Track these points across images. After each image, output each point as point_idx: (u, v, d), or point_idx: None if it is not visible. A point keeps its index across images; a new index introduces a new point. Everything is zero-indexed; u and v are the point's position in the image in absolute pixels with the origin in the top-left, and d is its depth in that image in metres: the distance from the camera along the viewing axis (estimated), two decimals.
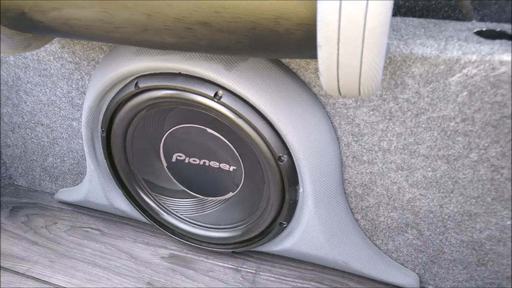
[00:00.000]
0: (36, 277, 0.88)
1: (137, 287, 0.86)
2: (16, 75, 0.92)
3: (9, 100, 0.98)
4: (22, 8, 0.54)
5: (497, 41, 0.58)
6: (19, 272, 0.89)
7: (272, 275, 0.89)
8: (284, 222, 0.80)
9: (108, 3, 0.49)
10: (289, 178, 0.73)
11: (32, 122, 1.00)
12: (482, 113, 0.62)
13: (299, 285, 0.87)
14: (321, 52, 0.42)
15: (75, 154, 1.02)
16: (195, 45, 0.52)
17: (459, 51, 0.58)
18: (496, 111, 0.61)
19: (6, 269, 0.90)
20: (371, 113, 0.68)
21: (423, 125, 0.66)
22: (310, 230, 0.79)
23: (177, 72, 0.69)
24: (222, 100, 0.67)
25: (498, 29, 0.63)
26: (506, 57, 0.56)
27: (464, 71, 0.58)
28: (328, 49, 0.41)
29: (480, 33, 0.62)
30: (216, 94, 0.67)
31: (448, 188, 0.71)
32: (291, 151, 0.70)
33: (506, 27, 0.64)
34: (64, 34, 0.59)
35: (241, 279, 0.89)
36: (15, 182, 1.19)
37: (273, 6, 0.42)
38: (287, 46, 0.48)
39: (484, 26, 0.65)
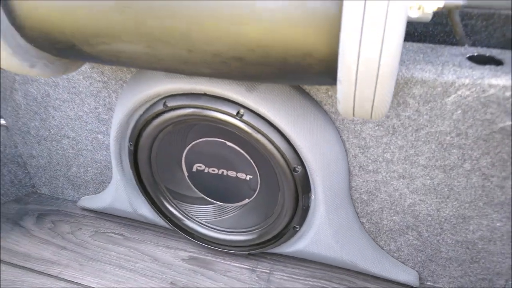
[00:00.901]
0: (69, 279, 0.94)
1: (162, 287, 0.93)
2: (45, 92, 0.99)
3: (37, 115, 1.05)
4: (73, 41, 0.61)
5: (487, 66, 0.66)
6: (52, 275, 0.95)
7: (285, 275, 0.96)
8: (297, 226, 0.87)
9: (154, 39, 0.56)
10: (302, 187, 0.80)
11: (59, 135, 1.07)
12: (474, 129, 0.69)
13: (310, 283, 0.94)
14: (340, 86, 0.49)
15: (98, 164, 1.08)
16: (227, 74, 0.59)
17: (453, 75, 0.65)
18: (486, 127, 0.68)
19: (40, 272, 0.96)
20: (376, 128, 0.75)
21: (422, 139, 0.74)
22: (321, 233, 0.86)
23: (202, 92, 0.76)
24: (244, 118, 0.74)
25: (487, 54, 0.71)
26: (494, 81, 0.63)
27: (458, 92, 0.66)
28: (347, 84, 0.48)
29: (471, 58, 0.70)
30: (238, 113, 0.74)
31: (444, 194, 0.79)
32: (305, 162, 0.77)
33: (494, 52, 0.72)
34: (107, 62, 0.66)
35: (256, 278, 0.96)
36: (38, 191, 1.25)
37: (300, 45, 0.50)
38: (309, 77, 0.55)
39: (475, 51, 0.72)
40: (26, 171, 1.22)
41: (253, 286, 0.93)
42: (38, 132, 1.09)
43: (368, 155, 0.80)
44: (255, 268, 0.98)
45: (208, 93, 0.75)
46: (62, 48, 0.63)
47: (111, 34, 0.57)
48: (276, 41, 0.50)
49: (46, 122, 1.05)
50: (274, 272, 0.97)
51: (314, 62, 0.51)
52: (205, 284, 0.94)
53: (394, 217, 0.87)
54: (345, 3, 0.43)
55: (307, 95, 0.76)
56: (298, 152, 0.76)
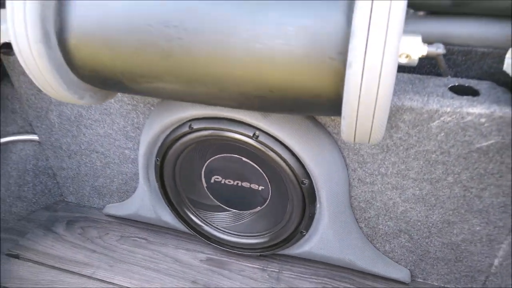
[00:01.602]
0: (101, 279, 1.05)
1: (185, 286, 1.04)
2: (78, 112, 1.10)
3: (70, 132, 1.16)
4: (121, 80, 0.72)
5: (465, 97, 0.78)
6: (86, 275, 1.06)
7: (293, 274, 1.08)
8: (303, 231, 0.99)
9: (191, 81, 0.67)
10: (309, 197, 0.92)
11: (88, 150, 1.17)
12: (455, 148, 0.81)
13: (315, 280, 1.06)
14: (344, 121, 0.61)
15: (124, 176, 1.19)
16: (249, 107, 0.71)
17: (437, 104, 0.77)
18: (466, 147, 0.80)
19: (75, 273, 1.07)
20: (373, 147, 0.87)
21: (412, 156, 0.85)
22: (325, 237, 0.98)
23: (223, 117, 0.87)
24: (259, 138, 0.86)
25: (466, 85, 0.83)
26: (471, 110, 0.75)
27: (442, 118, 0.78)
28: (350, 120, 0.60)
29: (453, 88, 0.82)
30: (254, 134, 0.86)
31: (431, 202, 0.91)
32: (311, 176, 0.89)
33: (472, 82, 0.84)
34: (147, 95, 0.77)
35: (267, 277, 1.07)
36: (66, 199, 1.36)
37: (311, 89, 0.61)
38: (317, 111, 0.67)
39: (456, 81, 0.84)
40: (55, 182, 1.32)
41: (265, 284, 1.04)
42: (69, 147, 1.20)
43: (366, 169, 0.91)
44: (265, 268, 1.10)
45: (228, 117, 0.87)
46: (110, 84, 0.75)
47: (155, 75, 0.68)
48: (291, 85, 0.62)
49: (77, 138, 1.16)
50: (283, 271, 1.08)
51: (323, 101, 0.63)
52: (222, 282, 1.05)
53: (388, 222, 0.98)
54: (349, 59, 0.54)
55: (313, 119, 0.87)
56: (306, 167, 0.88)
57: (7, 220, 1.23)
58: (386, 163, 0.88)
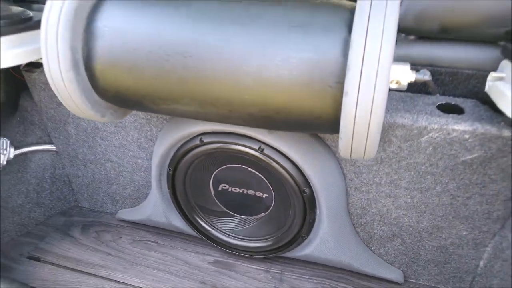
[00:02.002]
0: (117, 280, 1.12)
1: (194, 286, 1.11)
2: (95, 125, 1.17)
3: (86, 143, 1.23)
4: (142, 101, 0.79)
5: (451, 115, 0.85)
6: (102, 277, 1.13)
7: (294, 275, 1.15)
8: (304, 235, 1.06)
9: (204, 104, 0.74)
10: (309, 204, 0.99)
11: (103, 159, 1.25)
12: (442, 161, 0.89)
13: (315, 281, 1.13)
14: (341, 141, 0.68)
15: (136, 183, 1.27)
16: (255, 125, 0.78)
17: (426, 121, 0.85)
18: (452, 160, 0.88)
19: (93, 275, 1.14)
20: (368, 159, 0.94)
21: (404, 168, 0.93)
22: (324, 241, 1.05)
23: (231, 132, 0.95)
24: (264, 151, 0.93)
25: (453, 103, 0.91)
26: (456, 127, 0.83)
27: (430, 134, 0.85)
28: (346, 139, 0.67)
29: (440, 106, 0.90)
30: (260, 148, 0.93)
31: (422, 209, 0.98)
32: (311, 185, 0.96)
33: (458, 100, 0.92)
34: (164, 114, 0.84)
35: (271, 277, 1.15)
36: (80, 205, 1.43)
37: (313, 111, 0.69)
38: (318, 130, 0.75)
39: (444, 99, 0.92)
40: (70, 188, 1.40)
41: (268, 285, 1.12)
42: (85, 156, 1.27)
43: (362, 179, 0.99)
44: (269, 270, 1.17)
45: (235, 132, 0.94)
46: (131, 104, 0.82)
47: (173, 98, 0.76)
48: (294, 108, 0.69)
49: (93, 148, 1.23)
50: (285, 273, 1.16)
51: (322, 122, 0.71)
52: (229, 283, 1.12)
53: (382, 227, 1.06)
54: (345, 88, 0.62)
55: (313, 134, 0.95)
56: (306, 177, 0.95)
57: (27, 225, 1.31)
58: (380, 173, 0.96)
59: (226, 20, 0.69)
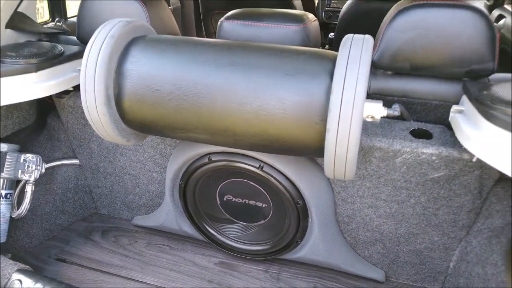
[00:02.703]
0: (135, 279, 1.27)
1: (202, 285, 1.26)
2: (116, 144, 1.32)
3: (107, 158, 1.38)
4: (162, 130, 0.94)
5: (421, 140, 1.00)
6: (122, 276, 1.28)
7: (290, 274, 1.30)
8: (298, 240, 1.21)
9: (214, 133, 0.89)
10: (302, 214, 1.14)
11: (122, 172, 1.40)
12: (415, 178, 1.04)
13: (308, 280, 1.28)
14: (325, 166, 0.83)
15: (150, 193, 1.42)
16: (255, 150, 0.93)
17: (400, 145, 1.00)
18: (422, 177, 1.03)
19: (113, 274, 1.29)
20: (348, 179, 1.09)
21: (382, 183, 1.08)
22: (315, 245, 1.20)
23: (236, 152, 1.10)
24: (264, 169, 1.09)
25: (424, 128, 1.06)
26: (425, 150, 0.98)
27: (403, 156, 1.00)
28: (329, 165, 0.82)
29: (413, 131, 1.05)
30: (260, 166, 1.08)
31: (399, 218, 1.13)
32: (304, 198, 1.11)
33: (429, 126, 1.07)
34: (180, 139, 0.99)
35: (269, 277, 1.29)
36: (99, 212, 1.58)
37: (302, 142, 0.84)
38: (306, 154, 0.90)
39: (416, 125, 1.07)
40: (91, 197, 1.55)
41: (267, 283, 1.27)
42: (105, 170, 1.42)
43: (347, 192, 1.14)
44: (267, 270, 1.32)
45: (239, 153, 1.10)
46: (152, 131, 0.97)
47: (189, 129, 0.91)
48: (287, 138, 0.84)
49: (113, 163, 1.39)
50: (282, 273, 1.31)
51: (310, 150, 0.86)
52: (233, 281, 1.27)
53: (366, 233, 1.21)
54: (327, 126, 0.77)
55: None
56: (300, 191, 1.10)
57: (53, 230, 1.46)
58: (363, 187, 1.11)
59: (233, 68, 0.84)
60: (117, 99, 0.92)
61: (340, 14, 1.95)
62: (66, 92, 1.30)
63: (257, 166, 1.09)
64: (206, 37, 2.55)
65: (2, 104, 1.05)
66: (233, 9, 2.25)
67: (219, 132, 0.89)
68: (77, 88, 1.28)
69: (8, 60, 1.07)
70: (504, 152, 0.76)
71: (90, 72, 0.88)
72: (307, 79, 0.80)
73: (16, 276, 0.98)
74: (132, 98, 0.90)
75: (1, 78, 1.04)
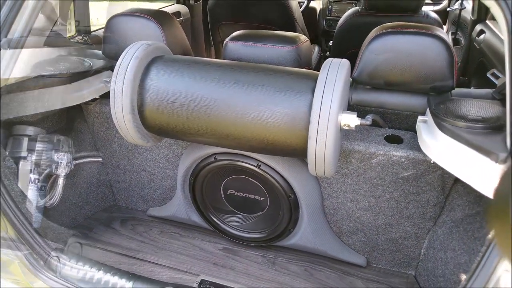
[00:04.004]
0: (151, 261, 1.46)
1: (209, 266, 1.45)
2: (135, 144, 1.51)
3: (126, 157, 1.58)
4: (175, 134, 1.13)
5: (393, 144, 1.18)
6: (139, 258, 1.48)
7: (284, 259, 1.48)
8: (291, 229, 1.40)
9: (220, 138, 1.08)
10: (294, 206, 1.33)
11: (139, 169, 1.59)
12: (388, 176, 1.22)
13: (300, 264, 1.46)
14: (309, 166, 1.02)
15: (164, 188, 1.61)
16: (254, 151, 1.12)
17: (375, 149, 1.18)
18: (394, 175, 1.21)
19: (131, 257, 1.48)
20: (336, 174, 1.28)
21: (362, 180, 1.26)
22: (305, 233, 1.38)
23: (238, 153, 1.28)
24: (261, 167, 1.27)
25: (397, 134, 1.24)
26: (396, 153, 1.16)
27: (378, 157, 1.18)
28: (311, 164, 1.00)
29: (387, 137, 1.23)
30: (257, 165, 1.27)
31: (376, 211, 1.31)
32: (295, 192, 1.30)
33: (401, 132, 1.24)
34: (191, 142, 1.18)
35: (266, 261, 1.48)
36: (118, 204, 1.78)
37: (290, 146, 1.02)
38: (294, 155, 1.08)
39: (390, 132, 1.25)
40: (111, 191, 1.75)
41: (264, 266, 1.45)
42: (125, 167, 1.62)
43: (332, 188, 1.32)
44: (265, 255, 1.51)
45: (240, 153, 1.28)
46: (168, 135, 1.16)
47: (199, 134, 1.09)
48: (278, 142, 1.03)
49: (131, 161, 1.58)
50: (277, 258, 1.49)
51: (297, 152, 1.04)
52: (235, 264, 1.46)
53: (350, 224, 1.39)
54: (309, 134, 0.95)
55: None
56: (291, 186, 1.29)
57: (78, 219, 1.66)
58: (345, 184, 1.29)
59: (235, 85, 1.03)
60: (140, 109, 1.11)
61: (338, 25, 2.13)
62: (93, 100, 1.50)
63: (255, 164, 1.27)
64: (214, 45, 2.74)
65: (42, 111, 1.24)
66: (238, 20, 2.43)
67: (224, 136, 1.07)
68: (103, 96, 1.48)
69: (48, 74, 1.27)
70: (453, 157, 0.94)
71: (119, 88, 1.07)
72: (294, 95, 0.98)
73: (54, 253, 1.18)
74: (152, 108, 1.09)
75: (42, 90, 1.24)
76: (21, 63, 1.15)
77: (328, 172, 1.03)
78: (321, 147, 0.95)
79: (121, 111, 1.09)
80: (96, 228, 1.63)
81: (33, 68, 1.19)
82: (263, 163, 1.27)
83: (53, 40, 1.44)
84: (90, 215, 1.70)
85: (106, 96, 1.50)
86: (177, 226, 1.64)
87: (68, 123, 1.61)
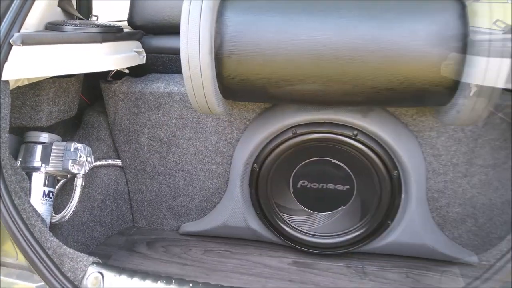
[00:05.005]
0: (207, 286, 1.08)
1: (284, 284, 1.09)
2: (173, 133, 1.18)
3: (158, 153, 1.23)
4: (265, 85, 0.85)
5: None
6: (190, 281, 1.08)
7: (375, 267, 1.16)
8: (389, 222, 1.10)
9: (329, 80, 0.81)
10: (398, 188, 1.04)
11: (174, 169, 1.25)
12: None
13: (397, 271, 1.14)
14: (453, 109, 0.77)
15: (206, 192, 1.26)
16: (370, 101, 0.85)
17: None
18: None
19: (178, 281, 1.08)
20: (447, 140, 1.03)
21: (479, 146, 1.02)
22: (410, 225, 1.08)
23: (325, 121, 1.01)
24: (358, 137, 1.00)
25: None
26: None
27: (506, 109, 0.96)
28: (462, 108, 0.76)
29: None
30: (354, 133, 1.00)
31: (495, 185, 1.06)
32: (401, 168, 1.02)
33: None
34: (277, 100, 0.90)
35: (354, 272, 1.15)
36: (136, 224, 1.38)
37: (434, 80, 0.77)
38: (430, 100, 0.83)
39: None
40: (129, 207, 1.35)
41: (354, 278, 1.12)
42: (154, 168, 1.26)
43: (440, 161, 1.06)
44: (349, 265, 1.17)
45: (329, 121, 1.01)
46: (249, 90, 0.87)
47: (298, 79, 0.82)
48: (418, 76, 0.78)
49: (165, 159, 1.23)
50: (366, 266, 1.17)
51: (438, 91, 0.79)
52: (316, 279, 1.11)
53: (457, 209, 1.12)
54: (468, 59, 0.71)
55: (398, 119, 1.03)
56: (397, 161, 1.02)
57: (88, 245, 1.24)
58: (457, 153, 1.04)
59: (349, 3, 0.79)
60: (218, 51, 0.82)
61: None
62: (117, 77, 1.18)
63: (351, 134, 1.00)
64: None
65: (71, 73, 0.91)
66: None
67: (336, 78, 0.81)
68: (132, 71, 1.17)
69: (70, 28, 0.96)
70: None
71: (195, 18, 0.79)
72: (440, 6, 0.76)
73: (93, 269, 0.78)
74: (234, 49, 0.81)
75: (67, 45, 0.92)
76: (36, 61, 0.86)
77: (482, 116, 0.78)
78: (490, 82, 0.71)
79: (198, 52, 0.80)
80: (116, 255, 1.22)
81: (51, 67, 0.89)
82: (361, 131, 1.00)
83: (67, 5, 1.14)
84: (103, 240, 1.29)
85: (136, 72, 1.19)
86: (223, 243, 1.27)
87: (78, 116, 1.26)
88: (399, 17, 0.77)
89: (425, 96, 0.82)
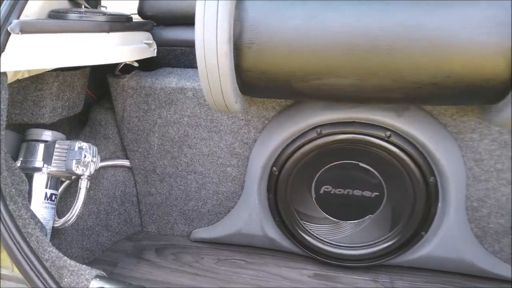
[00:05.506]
0: None
1: None
2: (185, 132, 1.10)
3: (169, 153, 1.15)
4: (289, 79, 0.75)
5: None
6: None
7: (406, 283, 1.05)
8: (423, 233, 0.99)
9: (365, 73, 0.71)
10: (434, 196, 0.94)
11: (186, 171, 1.16)
12: None
13: (429, 286, 1.04)
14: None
15: (220, 196, 1.17)
16: (411, 99, 0.75)
17: None
18: None
19: None
20: (491, 143, 0.92)
21: None
22: (447, 237, 0.98)
23: (354, 120, 0.91)
24: (391, 139, 0.89)
25: None
26: None
27: None
28: None
29: None
30: (386, 135, 0.89)
31: None
32: (439, 174, 0.92)
33: None
34: (301, 96, 0.80)
35: (381, 287, 1.04)
36: (144, 229, 1.30)
37: (485, 74, 0.67)
38: (481, 97, 0.72)
39: None
40: (137, 210, 1.27)
41: None
42: (164, 170, 1.18)
43: (482, 167, 0.95)
44: (376, 280, 1.07)
45: (359, 120, 0.91)
46: (271, 86, 0.78)
47: (329, 71, 0.72)
48: (466, 70, 0.67)
49: (176, 160, 1.15)
50: (395, 281, 1.06)
51: (489, 87, 0.69)
52: None
53: (499, 220, 1.01)
54: None
55: (436, 119, 0.93)
56: (434, 165, 0.91)
57: (93, 251, 1.16)
58: (502, 158, 0.93)
59: None
60: (237, 40, 0.73)
61: None
62: (125, 71, 1.10)
63: (383, 135, 0.90)
64: None
65: (75, 65, 0.83)
66: None
67: (373, 71, 0.71)
68: (142, 65, 1.08)
69: (75, 16, 0.88)
70: None
71: (212, 4, 0.70)
72: None
73: (96, 283, 0.70)
74: (255, 38, 0.72)
75: (70, 35, 0.83)
76: (36, 52, 0.78)
77: None
78: None
79: (215, 40, 0.70)
80: (123, 262, 1.14)
81: (52, 59, 0.80)
82: (395, 132, 0.90)
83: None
84: (109, 246, 1.21)
85: (145, 66, 1.11)
86: (238, 251, 1.18)
87: (84, 113, 1.18)
88: (448, 0, 0.66)
89: (475, 92, 0.71)
